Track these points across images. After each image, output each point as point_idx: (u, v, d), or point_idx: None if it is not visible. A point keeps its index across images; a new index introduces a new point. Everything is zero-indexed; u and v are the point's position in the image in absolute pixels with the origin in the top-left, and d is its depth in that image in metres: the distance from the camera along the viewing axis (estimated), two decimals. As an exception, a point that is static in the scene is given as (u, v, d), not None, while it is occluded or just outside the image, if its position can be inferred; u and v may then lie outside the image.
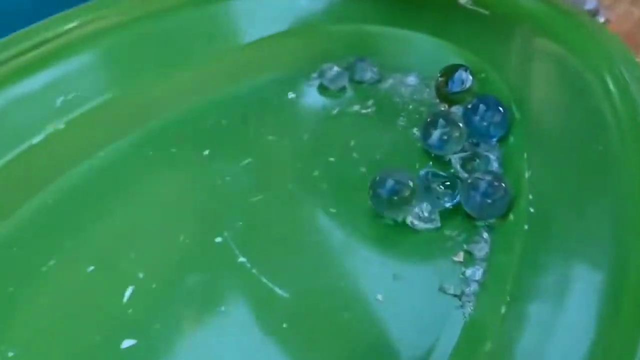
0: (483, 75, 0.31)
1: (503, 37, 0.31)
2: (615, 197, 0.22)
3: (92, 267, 0.25)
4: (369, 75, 0.32)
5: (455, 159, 0.28)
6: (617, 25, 0.36)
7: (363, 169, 0.28)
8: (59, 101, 0.31)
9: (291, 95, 0.32)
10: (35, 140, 0.30)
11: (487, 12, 0.32)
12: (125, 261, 0.25)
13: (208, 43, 0.33)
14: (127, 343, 0.23)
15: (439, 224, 0.25)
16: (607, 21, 0.36)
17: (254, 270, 0.25)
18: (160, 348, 0.23)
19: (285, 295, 0.24)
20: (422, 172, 0.26)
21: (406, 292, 0.24)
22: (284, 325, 0.23)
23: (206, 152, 0.30)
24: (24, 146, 0.30)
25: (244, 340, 0.23)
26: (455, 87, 0.29)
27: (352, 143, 0.29)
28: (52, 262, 0.26)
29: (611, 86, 0.25)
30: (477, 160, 0.27)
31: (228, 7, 0.34)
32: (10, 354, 0.23)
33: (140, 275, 0.25)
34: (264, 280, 0.24)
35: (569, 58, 0.27)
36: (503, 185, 0.25)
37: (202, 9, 0.34)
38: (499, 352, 0.21)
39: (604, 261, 0.21)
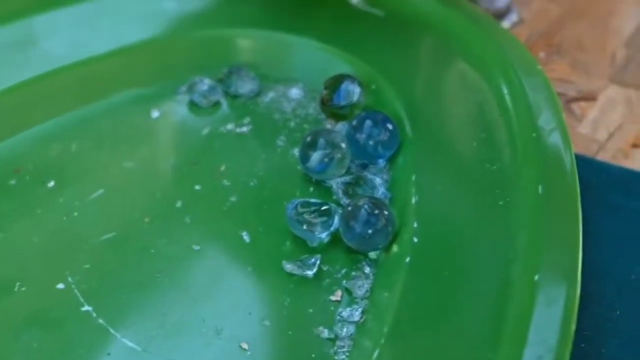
0: (374, 87, 0.33)
1: (398, 43, 0.33)
2: (506, 224, 0.24)
3: None
4: (247, 87, 0.34)
5: (337, 184, 0.30)
6: (532, 25, 0.39)
7: (234, 199, 0.30)
8: None
9: (155, 114, 0.34)
10: None
11: (382, 14, 0.34)
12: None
13: (50, 54, 0.34)
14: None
15: (315, 271, 0.27)
16: (520, 21, 0.39)
17: (100, 320, 0.26)
18: None
19: (137, 348, 0.25)
20: (289, 206, 0.28)
21: (276, 340, 0.26)
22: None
23: (51, 184, 0.31)
24: None
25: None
26: (340, 101, 0.31)
27: (223, 168, 0.31)
28: None
29: (507, 99, 0.28)
30: (362, 185, 0.29)
31: (72, 11, 0.35)
32: None
33: (-33, 332, 0.26)
34: (112, 331, 0.26)
35: (466, 67, 0.30)
36: (385, 212, 0.27)
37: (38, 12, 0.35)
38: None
39: (488, 298, 0.23)
